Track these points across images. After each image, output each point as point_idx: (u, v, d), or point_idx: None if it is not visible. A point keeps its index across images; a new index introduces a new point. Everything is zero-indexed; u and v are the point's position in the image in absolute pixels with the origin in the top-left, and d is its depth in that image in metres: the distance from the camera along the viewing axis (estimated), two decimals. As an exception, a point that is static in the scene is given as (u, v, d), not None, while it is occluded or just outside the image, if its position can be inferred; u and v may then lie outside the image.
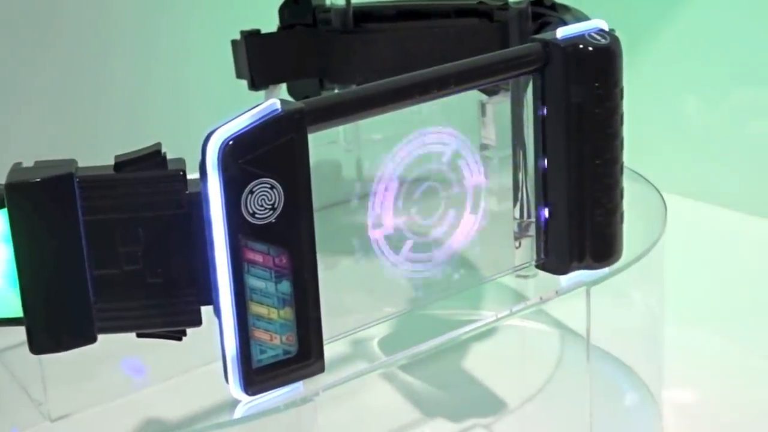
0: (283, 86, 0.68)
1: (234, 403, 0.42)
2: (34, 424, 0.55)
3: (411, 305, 0.46)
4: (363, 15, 0.64)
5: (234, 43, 0.66)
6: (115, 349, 0.43)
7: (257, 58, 0.66)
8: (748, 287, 0.70)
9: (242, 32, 0.66)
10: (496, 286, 0.50)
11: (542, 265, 0.48)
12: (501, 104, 0.53)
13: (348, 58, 0.65)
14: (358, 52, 0.64)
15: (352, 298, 0.45)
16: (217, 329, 0.41)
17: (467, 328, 0.47)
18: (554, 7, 0.58)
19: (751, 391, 0.60)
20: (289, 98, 0.67)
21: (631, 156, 0.48)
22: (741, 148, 0.81)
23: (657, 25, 0.84)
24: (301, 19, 0.66)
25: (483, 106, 0.54)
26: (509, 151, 0.50)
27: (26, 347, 0.41)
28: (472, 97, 0.50)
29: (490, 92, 0.54)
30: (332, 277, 0.43)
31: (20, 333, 0.42)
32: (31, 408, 0.55)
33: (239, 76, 0.67)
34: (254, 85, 0.66)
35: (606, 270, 0.49)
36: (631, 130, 0.48)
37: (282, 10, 0.67)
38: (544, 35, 0.46)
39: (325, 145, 0.42)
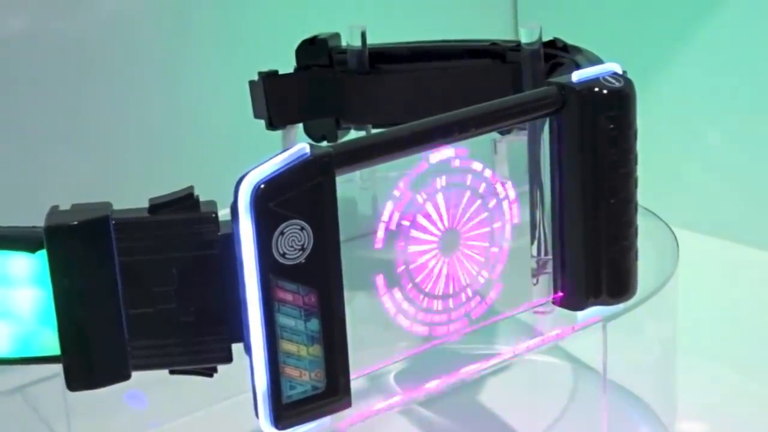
0: (300, 126, 0.68)
1: (263, 438, 0.42)
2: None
3: (428, 341, 0.47)
4: (378, 56, 0.65)
5: (252, 83, 0.67)
6: (140, 382, 0.44)
7: (275, 98, 0.66)
8: (760, 321, 0.71)
9: (260, 73, 0.66)
10: (512, 321, 0.50)
11: (559, 302, 0.49)
12: (513, 142, 0.54)
13: (364, 99, 0.65)
14: (374, 93, 0.65)
15: (368, 333, 0.46)
16: (244, 363, 0.42)
17: (486, 364, 0.48)
18: (566, 48, 0.59)
19: (764, 424, 0.60)
20: (306, 138, 0.68)
21: (641, 193, 0.49)
22: (752, 184, 0.81)
23: (664, 64, 0.84)
24: (318, 60, 0.67)
25: (495, 144, 0.55)
26: (522, 188, 0.51)
27: (48, 383, 0.42)
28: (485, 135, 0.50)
29: (503, 131, 0.55)
30: (349, 312, 0.43)
31: (42, 369, 0.42)
32: (54, 443, 0.55)
33: (257, 116, 0.68)
34: (271, 125, 0.67)
35: (621, 305, 0.50)
36: (642, 167, 0.49)
37: (299, 52, 0.68)
38: (559, 78, 0.47)
39: (340, 184, 0.43)
